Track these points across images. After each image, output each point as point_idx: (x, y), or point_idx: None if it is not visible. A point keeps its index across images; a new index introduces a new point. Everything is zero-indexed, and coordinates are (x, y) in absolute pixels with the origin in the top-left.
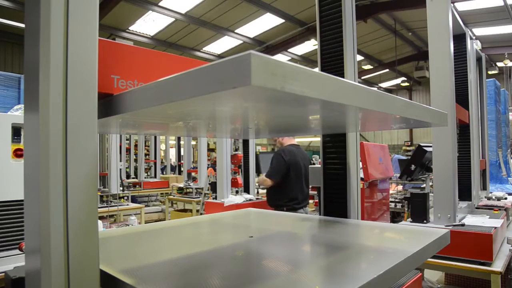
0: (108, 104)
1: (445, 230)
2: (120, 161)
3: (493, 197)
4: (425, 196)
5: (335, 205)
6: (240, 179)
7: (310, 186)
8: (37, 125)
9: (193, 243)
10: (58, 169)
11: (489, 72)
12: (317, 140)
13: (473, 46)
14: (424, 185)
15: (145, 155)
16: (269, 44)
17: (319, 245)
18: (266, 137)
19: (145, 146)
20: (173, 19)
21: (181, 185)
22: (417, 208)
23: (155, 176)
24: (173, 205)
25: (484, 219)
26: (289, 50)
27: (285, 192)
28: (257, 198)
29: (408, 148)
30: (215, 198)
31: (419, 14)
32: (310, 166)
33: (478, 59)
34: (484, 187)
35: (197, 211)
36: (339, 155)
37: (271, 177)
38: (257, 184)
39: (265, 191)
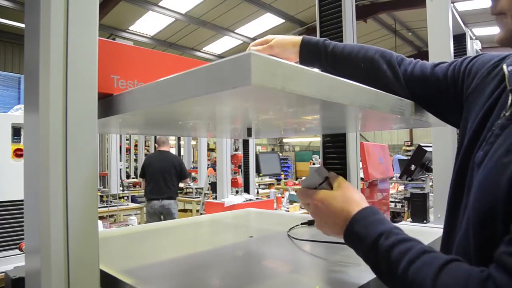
0: (108, 104)
1: None
2: (120, 161)
3: None
4: (425, 196)
5: None
6: (240, 179)
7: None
8: (37, 125)
9: (193, 243)
10: (58, 169)
11: None
12: (317, 140)
13: (473, 46)
14: (424, 185)
15: (145, 155)
16: None
17: (319, 245)
18: (266, 137)
19: (145, 146)
20: (173, 19)
21: (181, 185)
22: (417, 208)
23: None
24: None
25: None
26: None
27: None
28: (257, 198)
29: (408, 148)
30: (215, 198)
31: (419, 14)
32: (310, 166)
33: None
34: None
35: (197, 211)
36: (339, 155)
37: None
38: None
39: (265, 191)
